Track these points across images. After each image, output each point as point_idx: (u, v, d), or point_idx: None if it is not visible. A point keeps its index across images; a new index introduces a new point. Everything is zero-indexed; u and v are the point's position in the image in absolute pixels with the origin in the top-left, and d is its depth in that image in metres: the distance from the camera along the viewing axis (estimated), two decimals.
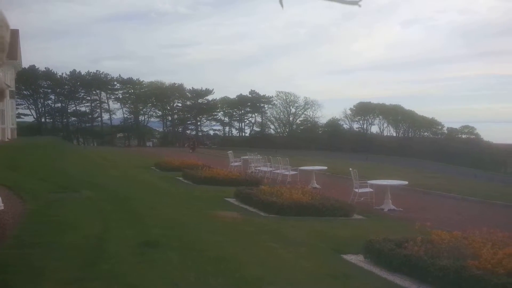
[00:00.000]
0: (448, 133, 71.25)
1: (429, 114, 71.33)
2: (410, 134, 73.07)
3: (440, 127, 71.90)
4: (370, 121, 72.73)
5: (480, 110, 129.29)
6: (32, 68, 58.95)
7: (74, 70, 63.63)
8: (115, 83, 66.27)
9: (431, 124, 71.15)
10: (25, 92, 60.75)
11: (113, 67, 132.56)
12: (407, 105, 73.27)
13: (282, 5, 1.30)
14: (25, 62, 41.56)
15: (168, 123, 70.95)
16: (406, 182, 13.31)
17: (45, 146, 29.86)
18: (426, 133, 72.95)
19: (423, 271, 5.37)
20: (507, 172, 55.19)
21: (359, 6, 1.25)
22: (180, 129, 71.19)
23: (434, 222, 7.62)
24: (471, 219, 10.89)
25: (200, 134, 67.98)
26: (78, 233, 6.79)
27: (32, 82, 60.23)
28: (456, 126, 71.95)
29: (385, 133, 73.70)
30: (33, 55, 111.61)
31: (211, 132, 72.05)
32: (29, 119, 63.02)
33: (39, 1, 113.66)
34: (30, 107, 62.88)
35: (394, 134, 73.67)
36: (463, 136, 70.98)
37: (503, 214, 12.55)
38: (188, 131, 69.15)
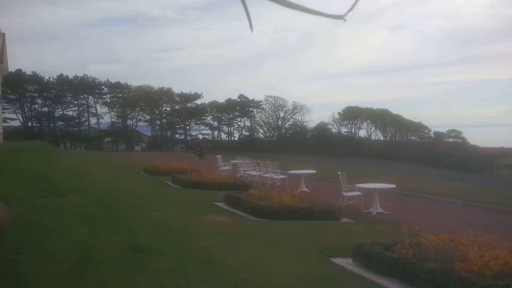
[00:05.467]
0: (435, 137, 71.98)
1: (416, 118, 72.13)
2: (397, 138, 73.62)
3: (427, 131, 72.65)
4: (358, 125, 73.20)
5: (466, 114, 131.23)
6: (19, 72, 58.15)
7: (62, 74, 63.01)
8: (103, 87, 65.74)
9: (418, 128, 71.81)
10: (11, 96, 59.89)
11: (101, 71, 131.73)
12: (395, 110, 74.07)
13: (251, 29, 1.31)
14: (12, 66, 40.98)
15: (157, 127, 70.61)
16: (394, 186, 13.42)
17: (31, 151, 29.50)
18: (413, 137, 73.60)
19: (411, 274, 5.40)
20: (493, 175, 55.92)
21: (344, 20, 1.25)
22: (169, 133, 70.86)
23: (422, 225, 7.67)
24: (458, 222, 10.99)
25: (188, 138, 67.70)
26: (64, 238, 6.71)
27: (19, 86, 59.38)
28: (443, 130, 72.84)
29: (372, 137, 74.20)
30: (19, 59, 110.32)
31: (200, 136, 71.85)
32: (16, 123, 62.15)
33: (24, 5, 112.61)
34: (17, 111, 62.01)
35: (382, 138, 74.21)
36: (450, 140, 71.82)
37: (489, 216, 12.69)
38: (195, 136, 68.40)
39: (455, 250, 5.74)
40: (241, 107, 70.02)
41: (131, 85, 67.07)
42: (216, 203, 12.02)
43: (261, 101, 70.28)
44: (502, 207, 13.81)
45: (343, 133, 73.18)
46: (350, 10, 1.24)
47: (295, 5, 1.23)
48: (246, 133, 72.34)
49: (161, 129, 70.65)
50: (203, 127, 71.87)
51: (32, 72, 61.17)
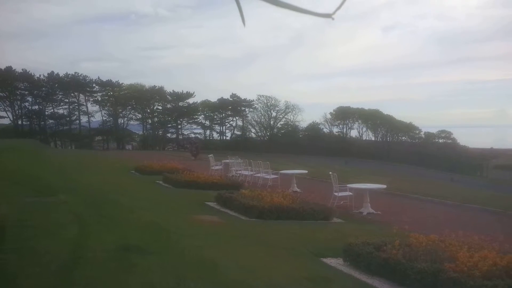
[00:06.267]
0: (426, 138, 72.51)
1: (407, 119, 72.61)
2: (388, 138, 74.05)
3: (417, 132, 73.15)
4: (349, 125, 73.51)
5: (456, 115, 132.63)
6: (9, 70, 57.72)
7: (52, 72, 62.46)
8: (94, 85, 65.27)
9: (409, 128, 72.30)
10: (1, 94, 59.43)
11: (92, 69, 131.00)
12: (386, 110, 74.43)
13: (244, 23, 1.32)
14: (1, 64, 40.66)
15: (148, 126, 70.32)
16: (385, 186, 13.49)
17: (21, 149, 29.26)
18: (404, 138, 74.10)
19: (401, 274, 5.44)
20: (483, 175, 56.44)
21: (333, 19, 1.26)
22: (161, 132, 70.58)
23: (412, 225, 7.73)
24: (448, 222, 11.08)
25: (180, 137, 67.51)
26: (54, 238, 6.66)
27: (9, 84, 58.93)
28: (433, 130, 73.37)
29: (364, 138, 74.56)
30: (10, 56, 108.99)
31: (192, 135, 71.62)
32: (6, 121, 61.71)
33: (15, 1, 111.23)
34: (7, 109, 61.44)
35: (373, 139, 74.59)
36: (440, 141, 72.35)
37: (478, 217, 12.81)
38: (187, 135, 68.06)
39: (445, 251, 5.78)
40: (233, 106, 69.94)
41: (122, 83, 66.82)
42: (207, 203, 12.00)
43: (253, 100, 70.34)
44: (491, 207, 13.94)
45: (334, 133, 73.46)
46: (338, 8, 1.26)
47: (286, 4, 1.25)
48: (238, 133, 72.30)
49: (153, 128, 70.35)
50: (195, 126, 71.76)
51: (22, 69, 60.67)
